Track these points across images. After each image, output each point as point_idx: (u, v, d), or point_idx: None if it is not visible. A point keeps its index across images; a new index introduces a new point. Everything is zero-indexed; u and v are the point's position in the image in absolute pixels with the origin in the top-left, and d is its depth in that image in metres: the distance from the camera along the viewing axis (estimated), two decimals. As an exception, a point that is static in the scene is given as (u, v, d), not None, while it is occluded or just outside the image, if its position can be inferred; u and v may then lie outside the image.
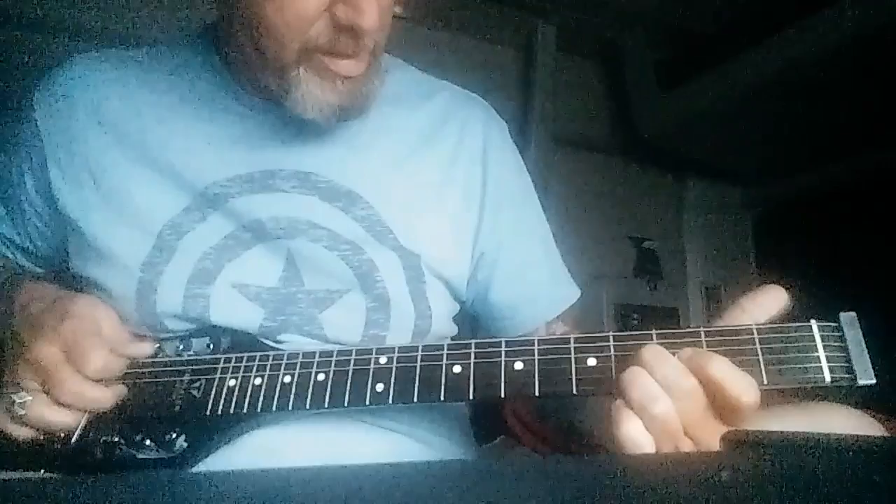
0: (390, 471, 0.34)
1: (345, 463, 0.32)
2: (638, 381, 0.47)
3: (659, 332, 0.52)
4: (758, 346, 0.49)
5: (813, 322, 0.49)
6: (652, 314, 2.05)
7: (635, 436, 0.46)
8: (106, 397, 0.62)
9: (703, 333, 0.51)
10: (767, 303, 0.51)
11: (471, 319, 0.84)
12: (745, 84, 1.58)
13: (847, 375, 0.47)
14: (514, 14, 1.82)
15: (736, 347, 0.50)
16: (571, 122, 2.02)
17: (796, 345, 0.49)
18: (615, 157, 2.14)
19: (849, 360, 0.47)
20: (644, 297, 2.07)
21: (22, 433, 0.62)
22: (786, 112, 1.65)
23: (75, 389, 0.60)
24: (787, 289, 0.52)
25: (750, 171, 2.17)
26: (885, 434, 0.57)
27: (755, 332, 0.50)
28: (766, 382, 0.48)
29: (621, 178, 2.15)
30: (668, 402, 0.46)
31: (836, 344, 0.48)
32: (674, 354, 0.48)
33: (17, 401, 0.61)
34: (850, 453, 0.32)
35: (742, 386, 0.46)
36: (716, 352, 0.49)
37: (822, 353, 0.48)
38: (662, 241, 2.16)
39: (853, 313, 0.49)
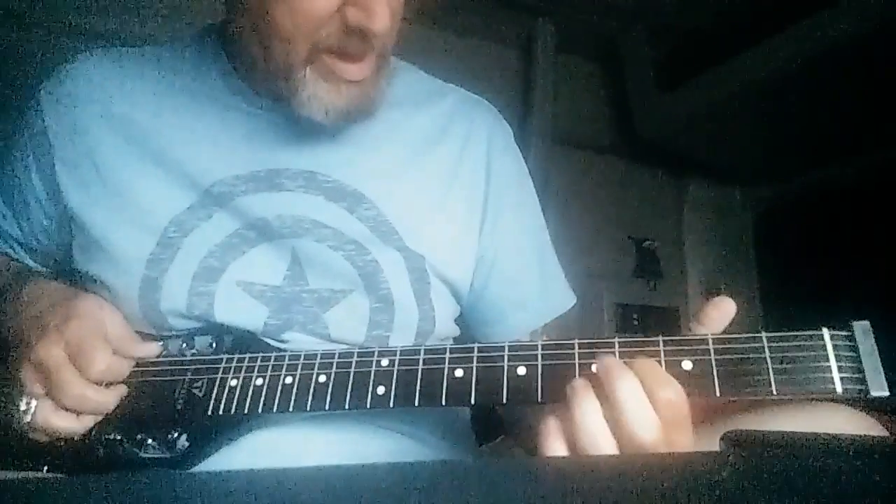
0: (391, 471, 0.34)
1: (345, 463, 0.32)
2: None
3: (666, 338, 0.51)
4: (767, 354, 0.48)
5: (825, 330, 0.48)
6: (652, 314, 2.05)
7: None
8: (109, 400, 0.62)
9: (710, 341, 0.50)
10: (714, 319, 0.50)
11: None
12: (746, 84, 1.58)
13: (859, 387, 0.46)
14: (514, 14, 1.82)
15: (744, 356, 0.49)
16: (571, 122, 2.02)
17: (807, 353, 0.47)
18: (615, 157, 2.14)
19: (861, 371, 0.46)
20: (644, 297, 2.07)
21: (30, 436, 0.62)
22: (786, 112, 1.65)
23: (78, 392, 0.60)
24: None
25: (750, 171, 2.17)
26: (886, 434, 0.57)
27: (764, 339, 0.48)
28: (774, 392, 0.47)
29: (621, 178, 2.15)
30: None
31: (848, 353, 0.47)
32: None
33: (23, 408, 0.60)
34: (850, 453, 0.32)
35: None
36: (723, 360, 0.49)
37: (833, 363, 0.47)
38: (662, 241, 2.16)
39: (867, 322, 0.47)
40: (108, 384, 0.63)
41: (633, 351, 0.51)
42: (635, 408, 0.45)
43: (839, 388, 0.46)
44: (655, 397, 0.45)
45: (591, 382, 0.47)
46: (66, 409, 0.61)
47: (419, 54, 0.85)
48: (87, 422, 0.62)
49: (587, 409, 0.46)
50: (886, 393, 0.45)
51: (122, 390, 0.64)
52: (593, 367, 0.49)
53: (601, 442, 0.45)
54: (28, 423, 0.60)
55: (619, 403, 0.45)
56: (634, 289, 2.06)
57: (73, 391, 0.60)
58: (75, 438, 0.63)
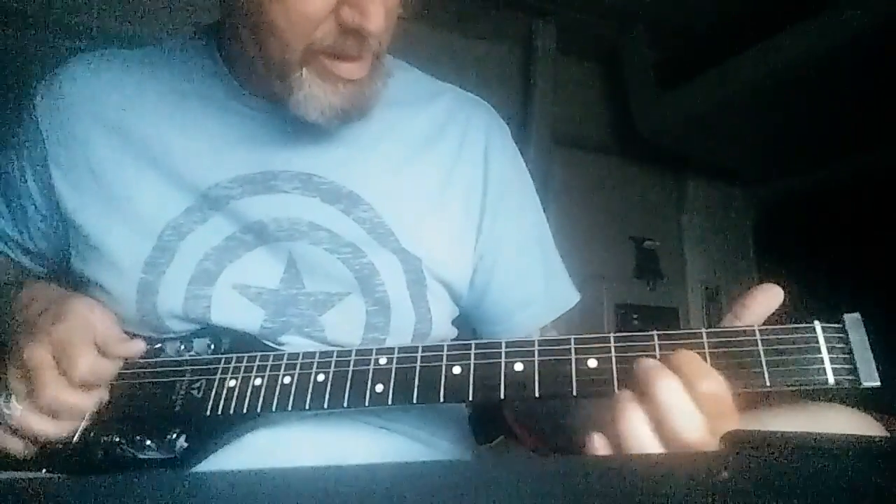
0: (390, 471, 0.34)
1: (345, 463, 0.32)
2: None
3: (660, 333, 0.52)
4: (760, 347, 0.49)
5: (816, 323, 0.49)
6: (652, 314, 2.05)
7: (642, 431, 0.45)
8: (85, 404, 0.62)
9: (704, 335, 0.50)
10: (760, 303, 0.50)
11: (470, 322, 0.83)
12: (745, 84, 1.58)
13: (851, 377, 0.47)
14: (514, 14, 1.82)
15: (738, 349, 0.49)
16: (571, 122, 2.02)
17: (799, 346, 0.48)
18: (615, 157, 2.14)
19: (853, 362, 0.47)
20: (644, 297, 2.07)
21: (11, 444, 0.61)
22: (786, 112, 1.65)
23: (53, 395, 0.60)
24: (786, 289, 0.52)
25: (750, 171, 2.17)
26: (886, 434, 0.57)
27: (757, 333, 0.49)
28: (768, 384, 0.48)
29: (621, 178, 2.15)
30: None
31: (839, 345, 0.48)
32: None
33: (3, 405, 0.60)
34: (850, 453, 0.32)
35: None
36: (717, 353, 0.49)
37: (825, 355, 0.48)
38: (662, 241, 2.16)
39: (857, 314, 0.48)
40: (91, 387, 0.62)
41: (629, 346, 0.52)
42: (677, 408, 0.45)
43: (831, 380, 0.47)
44: (697, 392, 0.45)
45: (633, 389, 0.47)
46: (43, 411, 0.60)
47: (419, 54, 0.85)
48: (65, 427, 0.62)
49: (633, 420, 0.46)
50: (877, 383, 0.46)
51: (103, 395, 0.64)
52: (635, 367, 0.49)
53: (649, 451, 0.45)
54: (8, 420, 0.60)
55: (661, 406, 0.45)
56: (634, 289, 2.06)
57: (49, 393, 0.59)
58: (74, 440, 0.63)
